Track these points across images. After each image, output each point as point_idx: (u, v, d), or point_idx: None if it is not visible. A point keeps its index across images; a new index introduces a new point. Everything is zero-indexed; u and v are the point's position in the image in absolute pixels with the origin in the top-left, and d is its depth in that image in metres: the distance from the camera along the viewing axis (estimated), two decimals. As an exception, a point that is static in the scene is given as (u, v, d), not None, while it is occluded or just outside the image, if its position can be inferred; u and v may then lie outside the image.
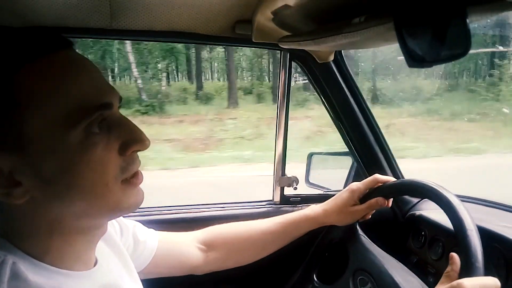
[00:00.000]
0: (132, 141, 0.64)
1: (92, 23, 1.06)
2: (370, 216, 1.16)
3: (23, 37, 0.59)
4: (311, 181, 1.70)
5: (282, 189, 1.51)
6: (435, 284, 1.10)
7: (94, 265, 0.71)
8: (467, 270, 0.82)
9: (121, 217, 0.96)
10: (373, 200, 1.10)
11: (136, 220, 1.30)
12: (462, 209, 0.89)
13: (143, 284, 0.86)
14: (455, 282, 0.78)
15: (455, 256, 0.86)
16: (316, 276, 1.20)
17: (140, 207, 1.40)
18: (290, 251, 1.21)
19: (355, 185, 1.14)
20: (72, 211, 0.62)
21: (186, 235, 1.11)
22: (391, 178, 1.13)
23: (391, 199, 1.13)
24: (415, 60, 0.47)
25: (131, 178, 0.66)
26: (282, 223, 1.15)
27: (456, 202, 0.90)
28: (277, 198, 1.51)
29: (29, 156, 0.57)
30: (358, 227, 1.17)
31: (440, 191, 0.95)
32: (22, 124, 0.56)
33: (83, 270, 0.67)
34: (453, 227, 0.89)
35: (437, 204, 0.95)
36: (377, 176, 1.14)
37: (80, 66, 0.62)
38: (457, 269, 0.84)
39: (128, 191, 0.65)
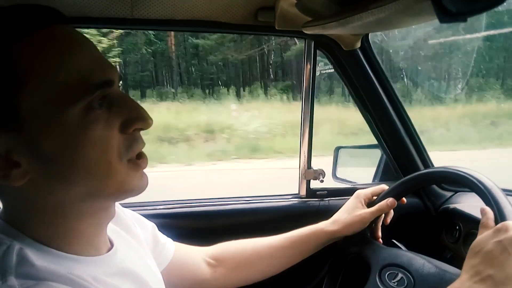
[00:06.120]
0: (134, 118, 0.61)
1: (113, 13, 1.05)
2: (388, 221, 1.14)
3: (19, 10, 0.57)
4: (338, 176, 1.65)
5: (308, 182, 1.46)
6: None
7: (109, 250, 0.68)
8: (502, 217, 0.82)
9: (140, 217, 0.92)
10: (383, 202, 1.09)
11: (159, 213, 1.29)
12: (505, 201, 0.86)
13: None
14: (499, 224, 0.79)
15: (486, 208, 0.86)
16: None
17: (171, 200, 1.37)
18: (303, 270, 1.16)
19: (361, 190, 1.15)
20: (75, 192, 0.59)
21: (199, 248, 1.07)
22: None
23: (403, 198, 1.14)
24: (447, 13, 0.41)
25: (136, 159, 0.64)
26: (290, 237, 1.10)
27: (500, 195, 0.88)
28: (303, 192, 1.46)
29: (27, 135, 0.54)
30: (369, 234, 1.13)
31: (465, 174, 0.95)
32: (18, 101, 0.53)
33: (95, 255, 0.65)
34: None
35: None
36: (384, 186, 1.17)
37: (79, 41, 0.59)
38: (492, 217, 0.84)
39: (132, 172, 0.63)
